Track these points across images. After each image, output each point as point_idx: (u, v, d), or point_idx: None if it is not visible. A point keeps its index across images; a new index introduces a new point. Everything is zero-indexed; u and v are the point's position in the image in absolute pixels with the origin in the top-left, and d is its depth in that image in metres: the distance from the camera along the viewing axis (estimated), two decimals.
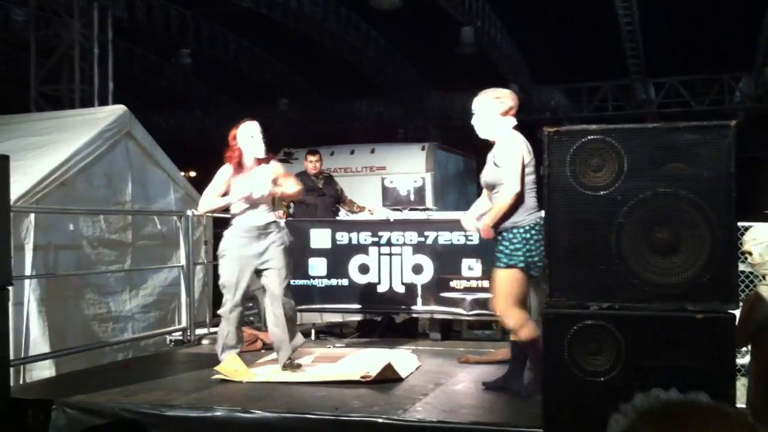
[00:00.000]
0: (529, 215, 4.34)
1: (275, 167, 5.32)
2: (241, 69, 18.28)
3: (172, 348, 6.75)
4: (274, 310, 5.12)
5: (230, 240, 5.15)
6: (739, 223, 3.39)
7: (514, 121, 4.53)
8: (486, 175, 4.57)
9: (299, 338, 5.33)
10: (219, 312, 5.28)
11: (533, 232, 4.31)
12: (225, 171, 5.23)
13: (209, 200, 5.31)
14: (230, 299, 5.11)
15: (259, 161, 5.22)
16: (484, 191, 4.77)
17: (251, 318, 8.05)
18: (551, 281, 3.14)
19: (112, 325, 6.75)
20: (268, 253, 5.11)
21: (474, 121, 4.59)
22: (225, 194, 5.21)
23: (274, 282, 5.10)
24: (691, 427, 0.90)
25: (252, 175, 5.18)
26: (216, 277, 8.16)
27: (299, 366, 5.19)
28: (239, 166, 5.20)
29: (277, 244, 5.14)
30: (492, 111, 4.50)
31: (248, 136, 5.19)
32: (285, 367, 5.13)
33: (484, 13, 15.56)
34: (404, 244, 6.60)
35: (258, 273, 5.18)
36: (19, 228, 5.91)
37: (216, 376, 4.95)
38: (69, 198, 6.42)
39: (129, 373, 5.22)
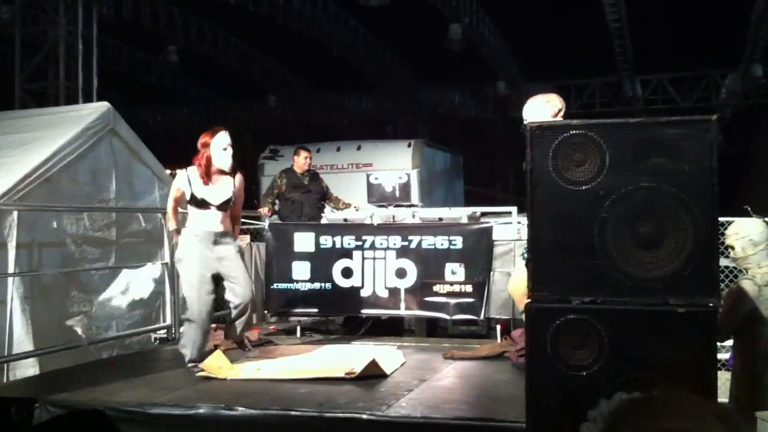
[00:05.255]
0: None
1: (240, 179, 5.45)
2: (230, 65, 18.19)
3: (156, 346, 6.72)
4: None
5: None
6: (721, 219, 3.39)
7: None
8: None
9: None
10: None
11: None
12: (184, 177, 5.36)
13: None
14: None
15: (222, 172, 5.34)
16: None
17: None
18: (534, 275, 3.13)
19: (97, 323, 6.70)
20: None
21: None
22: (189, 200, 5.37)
23: None
24: (669, 418, 0.88)
25: (217, 184, 5.32)
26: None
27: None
28: (205, 175, 5.30)
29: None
30: (544, 115, 4.70)
31: (220, 148, 5.29)
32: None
33: (472, 10, 15.55)
34: (388, 248, 6.56)
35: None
36: (2, 225, 5.86)
37: (200, 374, 4.93)
38: (53, 195, 6.36)
39: (113, 371, 5.20)
